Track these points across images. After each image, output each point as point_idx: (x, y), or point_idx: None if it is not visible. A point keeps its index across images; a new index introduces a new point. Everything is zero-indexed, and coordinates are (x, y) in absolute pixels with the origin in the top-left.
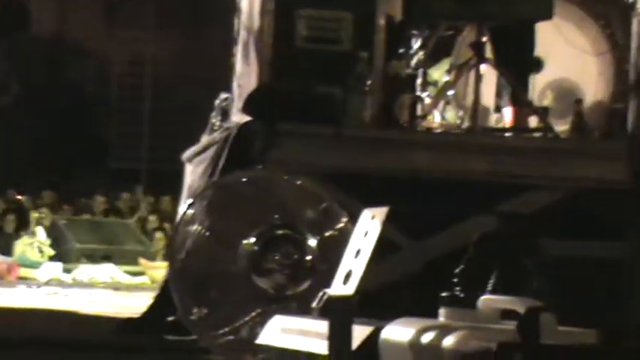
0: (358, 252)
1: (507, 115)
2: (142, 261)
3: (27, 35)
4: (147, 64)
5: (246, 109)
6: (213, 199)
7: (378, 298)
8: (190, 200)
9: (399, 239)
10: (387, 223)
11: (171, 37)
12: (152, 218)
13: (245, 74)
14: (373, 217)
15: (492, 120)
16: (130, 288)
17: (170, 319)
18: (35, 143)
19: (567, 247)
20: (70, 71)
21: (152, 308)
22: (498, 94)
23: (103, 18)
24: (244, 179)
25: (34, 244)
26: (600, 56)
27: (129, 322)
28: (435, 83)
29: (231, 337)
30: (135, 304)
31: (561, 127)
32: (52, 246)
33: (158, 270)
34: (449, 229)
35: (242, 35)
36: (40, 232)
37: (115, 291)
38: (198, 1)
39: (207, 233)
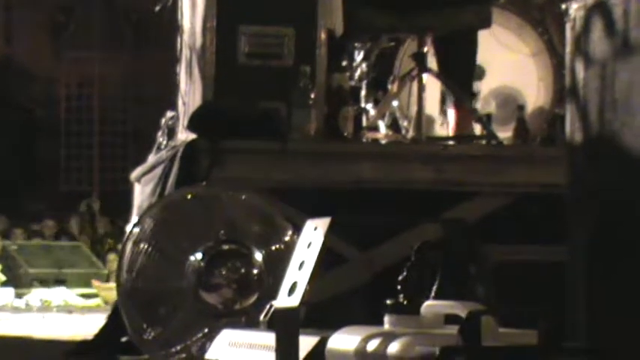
0: (302, 263)
1: (451, 118)
2: (95, 283)
3: None
4: (94, 86)
5: (191, 126)
6: (159, 217)
7: (327, 310)
8: (136, 219)
9: (345, 251)
10: (334, 235)
11: (117, 58)
12: (106, 240)
13: (189, 92)
14: (316, 228)
15: (437, 129)
16: (83, 310)
17: (123, 339)
18: None
19: (509, 251)
20: (18, 95)
21: (104, 329)
22: (443, 100)
23: (48, 41)
24: (189, 196)
25: None
26: (540, 63)
27: (81, 344)
28: None
29: (183, 355)
30: (89, 326)
31: (505, 133)
32: (3, 272)
33: (112, 291)
34: (395, 239)
35: (185, 53)
36: None
37: (69, 314)
38: (142, 20)
39: (155, 251)
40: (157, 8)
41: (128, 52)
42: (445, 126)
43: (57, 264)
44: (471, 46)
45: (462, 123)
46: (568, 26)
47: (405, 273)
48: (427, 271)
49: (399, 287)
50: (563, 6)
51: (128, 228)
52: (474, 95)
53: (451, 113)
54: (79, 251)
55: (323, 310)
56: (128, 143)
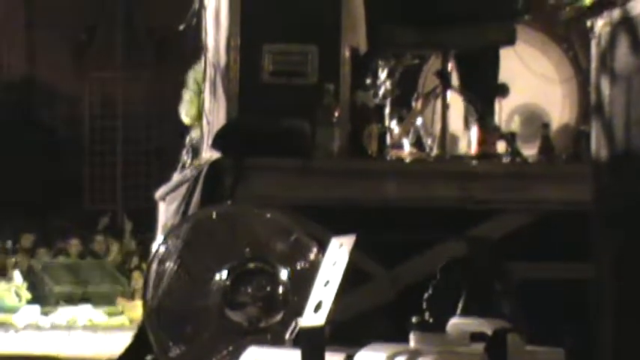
0: (327, 282)
1: (474, 136)
2: (121, 301)
3: None
4: (118, 105)
5: (215, 145)
6: (184, 236)
7: (352, 328)
8: (161, 238)
9: (371, 268)
10: (359, 252)
11: (140, 77)
12: (132, 259)
13: (213, 110)
14: (341, 246)
15: (461, 146)
16: (108, 329)
17: (148, 358)
18: (9, 188)
19: (535, 269)
20: (41, 114)
21: (130, 348)
22: (466, 118)
23: (71, 60)
24: (214, 215)
25: (11, 288)
26: (564, 80)
27: None
28: None
29: None
30: (114, 344)
31: (529, 151)
32: (29, 290)
33: (137, 309)
34: (420, 257)
35: (209, 72)
36: (17, 276)
37: (94, 332)
38: (165, 39)
39: (180, 270)
40: (181, 27)
41: (151, 70)
42: (468, 142)
43: (82, 282)
44: (493, 63)
45: (486, 140)
46: (593, 42)
47: (430, 291)
48: (452, 288)
49: (424, 305)
50: (589, 22)
51: (153, 247)
52: (495, 114)
53: (474, 131)
54: (104, 269)
55: (348, 327)
56: (151, 161)
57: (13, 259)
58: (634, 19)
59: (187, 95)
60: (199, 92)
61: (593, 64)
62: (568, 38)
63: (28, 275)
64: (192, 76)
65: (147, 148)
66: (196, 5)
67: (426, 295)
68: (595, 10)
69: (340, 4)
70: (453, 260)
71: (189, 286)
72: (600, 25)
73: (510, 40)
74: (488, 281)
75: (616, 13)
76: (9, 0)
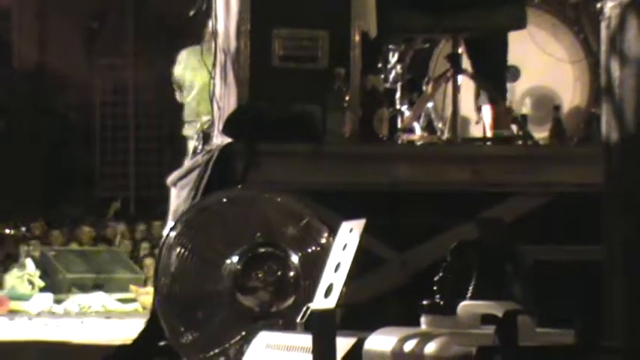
0: (338, 265)
1: (487, 113)
2: (133, 287)
3: (9, 70)
4: (129, 91)
5: (226, 130)
6: (195, 221)
7: (365, 312)
8: (172, 223)
9: (383, 252)
10: (372, 236)
11: (151, 63)
12: (144, 245)
13: (224, 96)
14: (351, 230)
15: (472, 130)
16: (121, 315)
17: (161, 343)
18: (21, 175)
19: (547, 251)
20: (53, 102)
21: (143, 334)
22: (477, 95)
23: (82, 48)
24: (225, 199)
25: (24, 276)
26: (575, 62)
27: (120, 349)
28: None
29: (221, 358)
30: (127, 331)
31: (540, 134)
32: (41, 277)
33: (149, 296)
34: (432, 240)
35: (219, 57)
36: (30, 264)
37: (107, 319)
38: (175, 25)
39: (191, 255)
40: (192, 13)
41: (162, 56)
42: (481, 123)
43: (95, 269)
44: (502, 46)
45: (499, 124)
46: (603, 25)
47: (441, 273)
48: (464, 271)
49: (435, 288)
50: (599, 5)
51: (164, 232)
52: (507, 97)
53: (487, 114)
54: (117, 256)
55: (359, 311)
56: (163, 148)
57: (26, 247)
58: None
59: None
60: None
61: (603, 47)
62: (578, 21)
63: (41, 263)
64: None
65: (159, 134)
66: None
67: (436, 278)
68: None
69: None
70: (464, 242)
71: (200, 272)
72: (610, 7)
73: (520, 24)
74: (500, 263)
75: None
76: None
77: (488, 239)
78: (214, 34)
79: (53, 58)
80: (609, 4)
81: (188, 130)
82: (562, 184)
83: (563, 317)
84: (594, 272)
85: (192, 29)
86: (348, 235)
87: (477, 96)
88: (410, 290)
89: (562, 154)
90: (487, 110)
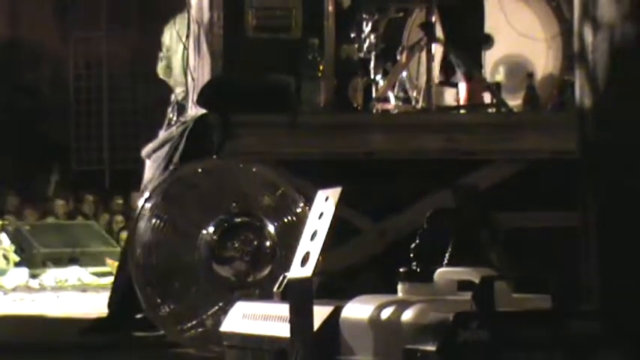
0: (314, 234)
1: (462, 90)
2: (109, 261)
3: None
4: (103, 65)
5: (200, 101)
6: (169, 192)
7: (341, 282)
8: (147, 194)
9: (359, 222)
10: (347, 205)
11: (124, 36)
12: (118, 218)
13: (198, 67)
14: (327, 199)
15: (447, 98)
16: (97, 289)
17: (138, 316)
18: None
19: (522, 218)
20: (26, 76)
21: (117, 306)
22: (444, 70)
23: (55, 21)
24: (200, 170)
25: None
26: (548, 29)
27: (96, 322)
28: None
29: (199, 329)
30: (103, 304)
31: (514, 102)
32: (17, 252)
33: None
34: (407, 208)
35: (193, 29)
36: (4, 238)
37: (83, 293)
38: None
39: (166, 226)
40: None
41: (135, 29)
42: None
43: (70, 243)
44: (477, 15)
45: (473, 92)
46: None
47: (417, 240)
48: (440, 238)
49: (411, 255)
50: None
51: (139, 204)
52: (481, 65)
53: (461, 84)
54: (92, 230)
55: (337, 280)
56: (138, 121)
57: (0, 222)
58: None
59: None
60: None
61: (576, 13)
62: None
63: (16, 237)
64: (168, 32)
65: (133, 107)
66: None
67: (413, 246)
68: None
69: None
70: (440, 210)
71: (175, 242)
72: None
73: None
74: (476, 230)
75: None
76: None
77: (464, 206)
78: (187, 5)
79: (25, 32)
80: None
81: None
82: (536, 151)
83: (539, 283)
84: (569, 238)
85: (166, 3)
86: (324, 204)
87: (442, 68)
88: (386, 259)
89: (536, 121)
90: (462, 85)
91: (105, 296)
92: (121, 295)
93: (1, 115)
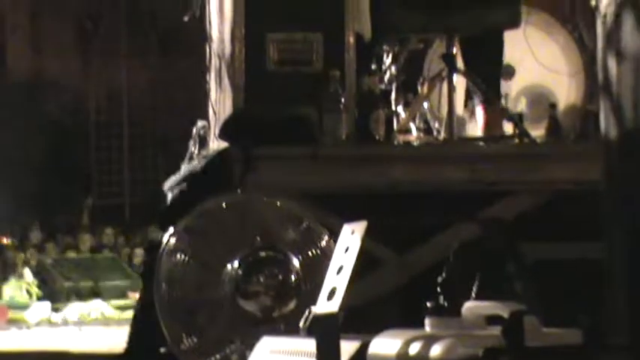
0: (340, 268)
1: (480, 117)
2: (132, 294)
3: (3, 75)
4: (123, 95)
5: (222, 135)
6: (194, 227)
7: (366, 314)
8: (172, 229)
9: (382, 253)
10: (370, 238)
11: (144, 68)
12: (138, 252)
13: (220, 101)
14: (353, 232)
15: (468, 129)
16: (120, 322)
17: (162, 350)
18: (17, 183)
19: (547, 250)
20: (48, 106)
21: (140, 340)
22: (467, 96)
23: (76, 50)
24: (224, 204)
25: (22, 285)
26: (571, 61)
27: (118, 357)
28: None
29: None
30: (125, 338)
31: (537, 132)
32: (39, 286)
33: None
34: (431, 240)
35: (214, 62)
36: (27, 273)
37: (106, 327)
38: (169, 29)
39: (191, 261)
40: (186, 18)
41: (155, 60)
42: (470, 121)
43: (92, 276)
44: (498, 46)
45: (492, 122)
46: (599, 22)
47: (444, 274)
48: (466, 272)
49: (438, 289)
50: (593, 2)
51: (163, 238)
52: (501, 96)
53: (480, 114)
54: (114, 263)
55: (361, 314)
56: (158, 153)
57: (23, 256)
58: None
59: None
60: None
61: (600, 44)
62: (573, 18)
63: (38, 271)
64: None
65: (154, 139)
66: None
67: (440, 279)
68: None
69: None
70: (466, 243)
71: (200, 277)
72: (604, 3)
73: (514, 23)
74: (502, 263)
75: None
76: None
77: (489, 239)
78: (208, 39)
79: (47, 61)
80: (604, 1)
81: None
82: (560, 182)
83: (565, 316)
84: (594, 270)
85: (185, 33)
86: (350, 238)
87: (467, 96)
88: (410, 291)
89: (559, 151)
90: (481, 114)
91: (128, 330)
92: (142, 330)
93: (23, 148)
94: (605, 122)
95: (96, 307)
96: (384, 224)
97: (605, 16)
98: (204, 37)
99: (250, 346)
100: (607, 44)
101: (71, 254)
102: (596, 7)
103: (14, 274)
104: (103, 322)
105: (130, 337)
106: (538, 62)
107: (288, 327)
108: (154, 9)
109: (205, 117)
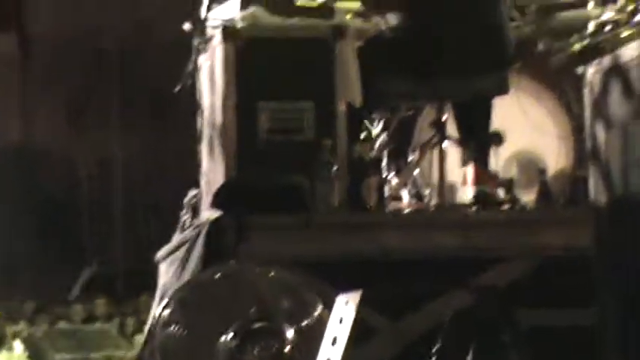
0: (335, 339)
1: (470, 174)
2: None
3: None
4: (115, 165)
5: (214, 204)
6: (188, 298)
7: None
8: (165, 301)
9: (376, 321)
10: (363, 306)
11: (136, 137)
12: (130, 321)
13: (211, 170)
14: (347, 303)
15: (460, 195)
16: None
17: None
18: (8, 254)
19: (539, 316)
20: (38, 176)
21: None
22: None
23: (66, 121)
24: (217, 275)
25: (13, 359)
26: (559, 126)
27: None
28: None
29: None
30: None
31: (527, 197)
32: (30, 358)
33: None
34: (424, 308)
35: (206, 131)
36: (17, 346)
37: None
38: (161, 99)
39: (185, 333)
40: (177, 89)
41: (146, 131)
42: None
43: (84, 348)
44: (486, 113)
45: (480, 181)
46: (586, 90)
47: (439, 343)
48: (461, 339)
49: (434, 358)
50: (580, 70)
51: (156, 310)
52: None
53: (470, 171)
54: (107, 334)
55: None
56: (151, 222)
57: (13, 328)
58: (624, 66)
59: None
60: None
61: (587, 111)
62: (560, 85)
63: (29, 344)
64: None
65: (145, 208)
66: (191, 66)
67: (435, 348)
68: (585, 57)
69: (334, 60)
70: (460, 311)
71: (195, 349)
72: (591, 72)
73: (502, 90)
74: (496, 331)
75: (606, 60)
76: (3, 61)
77: (483, 308)
78: (200, 109)
79: (37, 131)
80: (590, 70)
81: None
82: (550, 248)
83: None
84: (586, 337)
85: (177, 103)
86: (344, 308)
87: (464, 158)
88: (404, 358)
89: (550, 217)
90: (470, 170)
91: None
92: None
93: (15, 218)
94: (595, 188)
95: None
96: (378, 291)
97: (591, 83)
98: (195, 106)
99: None
100: (595, 111)
101: (63, 325)
102: (583, 75)
103: (4, 347)
104: None
105: None
106: (528, 121)
107: None
108: (146, 80)
109: (197, 186)
